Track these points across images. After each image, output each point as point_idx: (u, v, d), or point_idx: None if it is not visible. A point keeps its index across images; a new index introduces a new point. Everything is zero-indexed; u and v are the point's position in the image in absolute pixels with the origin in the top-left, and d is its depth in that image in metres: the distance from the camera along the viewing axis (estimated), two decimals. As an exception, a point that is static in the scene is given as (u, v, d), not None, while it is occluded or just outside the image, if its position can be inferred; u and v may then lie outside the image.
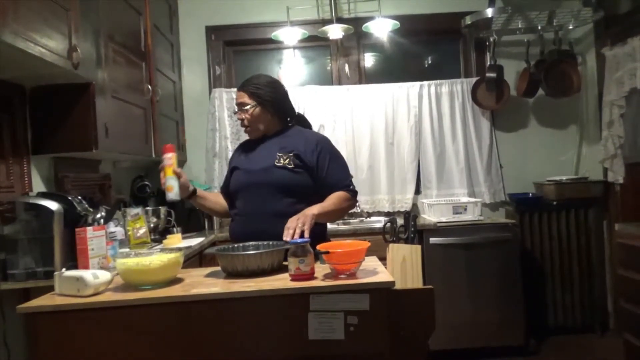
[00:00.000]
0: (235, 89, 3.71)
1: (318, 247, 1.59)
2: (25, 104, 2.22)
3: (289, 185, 1.97)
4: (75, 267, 1.81)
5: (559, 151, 3.81)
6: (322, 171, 2.02)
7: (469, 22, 3.49)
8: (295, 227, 1.77)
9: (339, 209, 2.01)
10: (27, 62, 1.83)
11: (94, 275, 1.50)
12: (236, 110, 2.11)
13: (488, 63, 3.71)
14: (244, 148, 2.19)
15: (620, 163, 3.34)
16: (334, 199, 1.99)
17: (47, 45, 1.82)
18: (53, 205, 1.95)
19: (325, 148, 2.07)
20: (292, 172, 1.98)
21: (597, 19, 3.48)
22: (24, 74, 2.06)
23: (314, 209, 1.88)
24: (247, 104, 2.05)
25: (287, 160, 1.99)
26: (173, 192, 1.90)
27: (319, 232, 1.96)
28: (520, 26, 3.56)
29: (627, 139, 3.31)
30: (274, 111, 2.08)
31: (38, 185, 2.30)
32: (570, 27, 3.61)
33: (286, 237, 1.74)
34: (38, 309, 1.44)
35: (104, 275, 1.54)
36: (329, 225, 2.48)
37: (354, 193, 2.08)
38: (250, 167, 2.06)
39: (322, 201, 1.98)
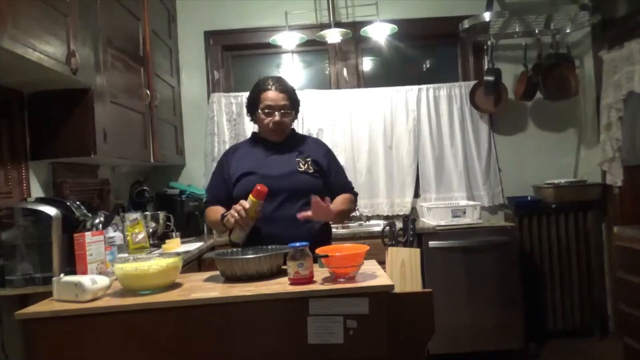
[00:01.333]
0: (234, 94, 3.78)
1: (317, 250, 1.59)
2: (23, 109, 2.23)
3: (309, 190, 1.97)
4: (74, 272, 1.80)
5: (558, 154, 3.82)
6: (332, 175, 2.12)
7: (467, 26, 3.49)
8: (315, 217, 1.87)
9: (348, 209, 2.12)
10: (26, 68, 1.83)
11: (92, 281, 1.50)
12: (267, 110, 2.04)
13: (486, 66, 3.71)
14: (249, 153, 2.12)
15: (619, 166, 3.34)
16: (343, 201, 2.09)
17: (46, 50, 1.82)
18: (51, 210, 1.95)
19: (331, 153, 2.19)
20: (313, 176, 2.04)
21: (595, 23, 3.49)
22: (22, 79, 2.06)
23: (334, 210, 1.95)
24: (290, 109, 2.08)
25: (306, 165, 2.04)
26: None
27: (324, 237, 2.02)
28: (517, 30, 3.57)
29: (625, 141, 3.31)
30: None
31: (36, 190, 2.30)
32: (568, 31, 3.63)
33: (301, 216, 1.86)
34: (36, 315, 1.43)
35: (103, 281, 1.54)
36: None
37: (356, 195, 2.21)
38: (268, 173, 2.01)
39: None
